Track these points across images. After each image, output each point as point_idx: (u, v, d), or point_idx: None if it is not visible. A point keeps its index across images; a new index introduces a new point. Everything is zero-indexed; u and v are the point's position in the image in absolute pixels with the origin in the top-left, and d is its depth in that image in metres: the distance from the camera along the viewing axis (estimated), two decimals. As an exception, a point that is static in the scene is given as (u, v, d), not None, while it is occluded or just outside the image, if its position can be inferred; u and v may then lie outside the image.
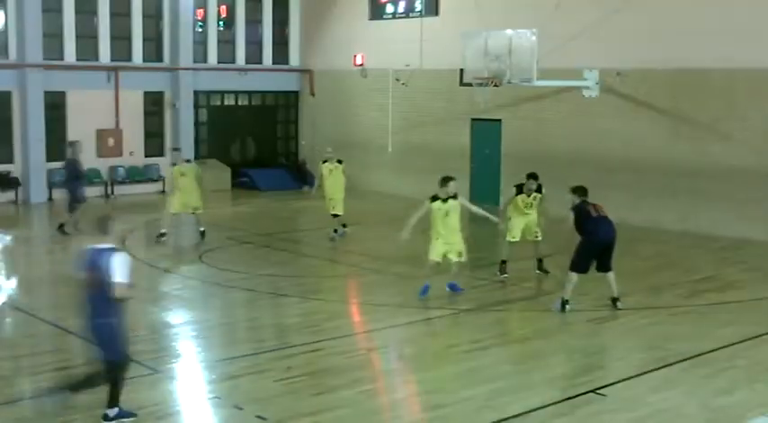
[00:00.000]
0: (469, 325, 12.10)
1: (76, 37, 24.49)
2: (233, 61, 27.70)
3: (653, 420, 8.59)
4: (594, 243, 12.37)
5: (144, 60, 25.83)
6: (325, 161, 18.33)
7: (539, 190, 14.53)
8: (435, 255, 13.22)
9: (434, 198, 13.15)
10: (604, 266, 12.56)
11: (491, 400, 9.02)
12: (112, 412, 8.24)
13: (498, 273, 14.69)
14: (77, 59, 24.52)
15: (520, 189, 14.52)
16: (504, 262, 14.72)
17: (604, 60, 20.21)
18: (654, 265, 15.99)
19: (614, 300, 12.66)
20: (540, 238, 14.64)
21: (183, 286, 14.36)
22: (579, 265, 12.46)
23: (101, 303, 7.96)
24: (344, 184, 18.28)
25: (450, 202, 13.11)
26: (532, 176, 14.52)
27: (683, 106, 19.55)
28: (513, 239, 14.60)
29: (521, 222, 14.56)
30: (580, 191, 12.66)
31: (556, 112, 21.67)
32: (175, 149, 19.72)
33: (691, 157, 19.30)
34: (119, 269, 7.91)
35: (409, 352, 11.07)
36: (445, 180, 13.18)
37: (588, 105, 20.60)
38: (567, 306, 12.49)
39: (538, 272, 14.87)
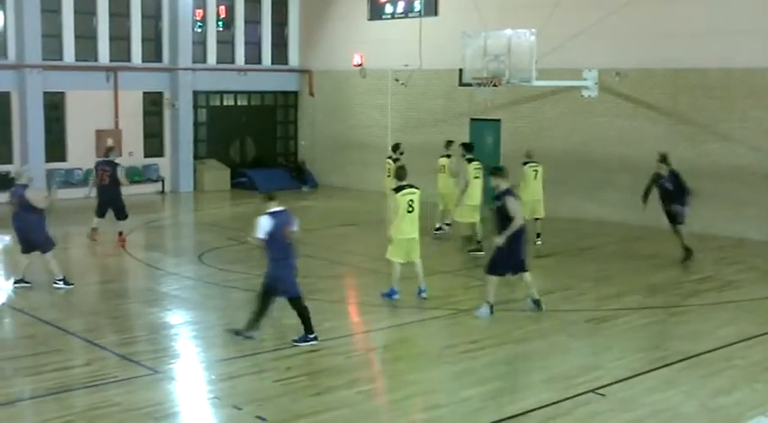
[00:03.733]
0: (467, 325, 12.08)
1: (75, 37, 24.50)
2: (232, 61, 27.72)
3: (652, 420, 8.60)
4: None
5: (143, 61, 25.84)
6: (525, 163, 17.27)
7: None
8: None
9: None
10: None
11: (489, 401, 9.04)
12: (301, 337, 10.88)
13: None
14: (76, 60, 24.52)
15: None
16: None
17: (603, 60, 20.23)
18: (652, 264, 16.00)
19: (536, 301, 12.39)
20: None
21: (183, 286, 14.35)
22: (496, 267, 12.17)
23: None
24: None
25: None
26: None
27: (681, 106, 19.57)
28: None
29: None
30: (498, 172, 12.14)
31: (555, 112, 21.69)
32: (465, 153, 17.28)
33: (689, 156, 19.29)
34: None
35: (408, 352, 11.12)
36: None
37: (587, 105, 20.63)
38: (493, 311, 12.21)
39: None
